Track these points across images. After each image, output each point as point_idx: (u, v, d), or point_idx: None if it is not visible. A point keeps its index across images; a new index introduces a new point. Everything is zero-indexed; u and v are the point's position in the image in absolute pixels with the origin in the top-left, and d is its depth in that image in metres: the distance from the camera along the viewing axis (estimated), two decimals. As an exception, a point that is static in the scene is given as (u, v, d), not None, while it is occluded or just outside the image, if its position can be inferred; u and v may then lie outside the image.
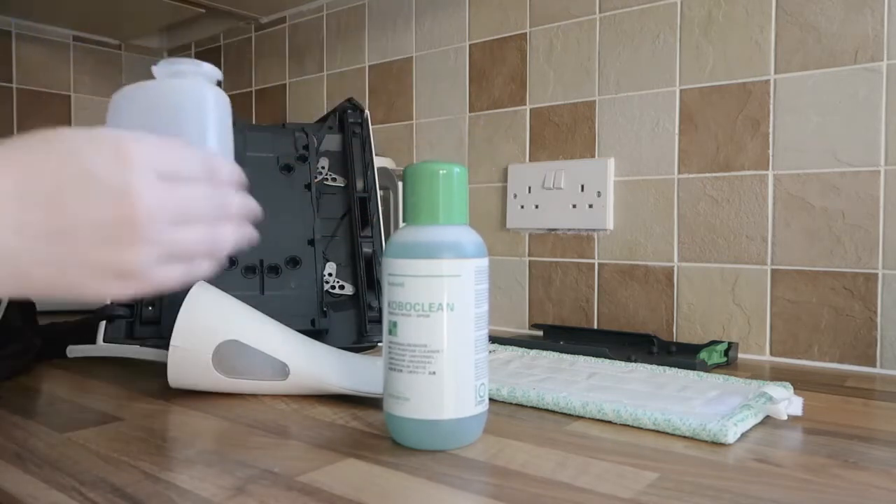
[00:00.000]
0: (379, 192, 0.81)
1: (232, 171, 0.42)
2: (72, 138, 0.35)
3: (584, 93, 0.90)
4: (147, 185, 0.35)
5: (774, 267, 0.77)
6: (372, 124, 1.07)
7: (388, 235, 0.87)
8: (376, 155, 0.86)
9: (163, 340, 0.65)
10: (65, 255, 0.34)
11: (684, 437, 0.47)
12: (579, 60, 0.90)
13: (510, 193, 0.96)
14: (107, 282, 0.35)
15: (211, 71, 0.50)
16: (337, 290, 0.76)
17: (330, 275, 0.76)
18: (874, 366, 0.71)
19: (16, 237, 0.32)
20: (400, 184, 0.96)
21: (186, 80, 0.49)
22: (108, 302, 0.68)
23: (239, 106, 1.36)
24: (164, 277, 0.37)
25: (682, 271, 0.83)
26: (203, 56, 1.43)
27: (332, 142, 0.83)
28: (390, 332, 0.45)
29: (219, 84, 0.52)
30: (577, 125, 0.91)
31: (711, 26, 0.80)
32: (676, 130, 0.83)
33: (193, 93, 0.49)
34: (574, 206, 0.90)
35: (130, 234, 0.35)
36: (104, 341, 0.67)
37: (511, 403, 0.56)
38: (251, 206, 0.43)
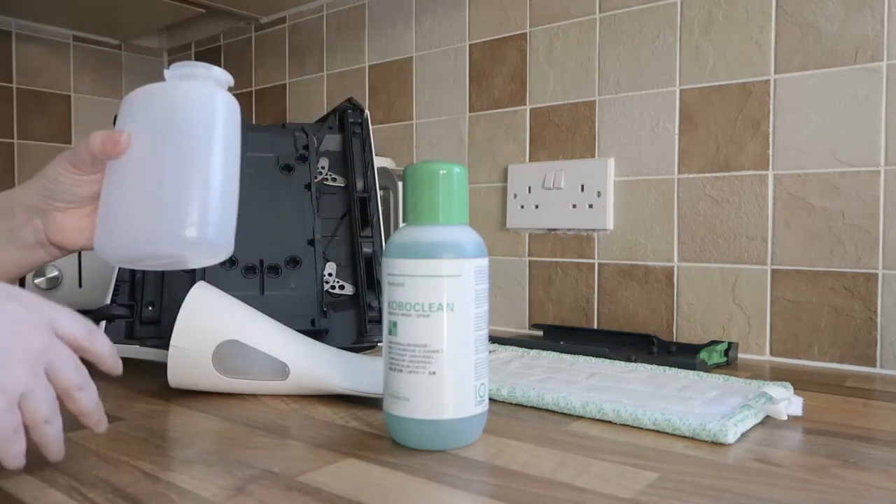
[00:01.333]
0: (379, 192, 0.81)
1: (107, 348, 0.44)
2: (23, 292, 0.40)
3: (584, 93, 0.90)
4: (45, 328, 0.40)
5: (774, 267, 0.77)
6: (372, 124, 1.07)
7: (388, 235, 0.87)
8: (376, 155, 0.86)
9: (163, 340, 0.65)
10: None
11: (684, 437, 0.47)
12: (579, 60, 0.90)
13: (510, 193, 0.96)
14: None
15: (221, 75, 0.50)
16: (337, 290, 0.76)
17: (330, 275, 0.76)
18: (874, 366, 0.71)
19: None
20: (400, 184, 0.96)
21: (196, 82, 0.49)
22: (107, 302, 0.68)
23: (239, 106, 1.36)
24: (11, 418, 0.38)
25: (682, 271, 0.83)
26: (203, 56, 1.43)
27: (332, 142, 0.83)
28: (390, 332, 0.45)
29: (229, 89, 0.52)
30: (577, 125, 0.91)
31: (711, 26, 0.80)
32: (676, 130, 0.83)
33: (203, 95, 0.49)
34: (574, 206, 0.90)
35: (18, 359, 0.38)
36: (104, 341, 0.66)
37: (511, 403, 0.56)
38: (97, 411, 0.43)
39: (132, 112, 0.49)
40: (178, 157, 0.47)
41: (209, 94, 0.49)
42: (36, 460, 0.43)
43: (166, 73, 0.50)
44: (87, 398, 0.42)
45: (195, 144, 0.47)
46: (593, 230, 0.90)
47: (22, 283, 0.72)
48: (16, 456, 0.38)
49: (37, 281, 1.06)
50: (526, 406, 0.55)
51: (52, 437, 0.40)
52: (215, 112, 0.49)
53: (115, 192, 0.48)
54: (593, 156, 0.90)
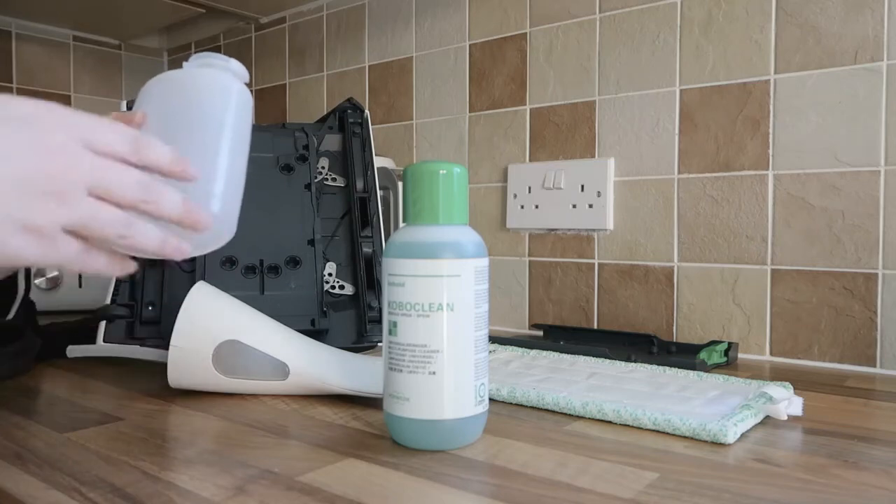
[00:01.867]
0: (379, 192, 0.81)
1: (173, 163, 0.41)
2: (17, 100, 0.36)
3: (584, 93, 0.90)
4: (71, 147, 0.36)
5: (774, 267, 0.77)
6: (372, 124, 1.07)
7: (388, 235, 0.87)
8: (376, 155, 0.86)
9: (163, 340, 0.65)
10: None
11: (684, 437, 0.47)
12: (579, 60, 0.90)
13: (510, 193, 0.96)
14: (14, 236, 0.35)
15: (239, 68, 0.52)
16: (337, 290, 0.76)
17: (330, 275, 0.76)
18: (874, 366, 0.71)
19: None
20: (400, 184, 0.96)
21: (214, 70, 0.50)
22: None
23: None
24: (67, 250, 0.37)
25: (682, 271, 0.83)
26: (203, 56, 1.42)
27: (332, 142, 0.83)
28: (390, 332, 0.45)
29: (246, 85, 0.53)
30: (577, 125, 0.91)
31: (711, 26, 0.80)
32: (676, 130, 0.83)
33: (217, 82, 0.50)
34: (574, 206, 0.90)
35: (45, 190, 0.35)
36: (104, 341, 0.67)
37: (511, 403, 0.56)
38: (189, 209, 0.41)
39: (148, 97, 0.50)
40: (188, 139, 0.47)
41: (225, 83, 0.50)
42: (35, 459, 0.43)
43: (186, 63, 0.51)
44: (165, 205, 0.39)
45: (207, 129, 0.48)
46: (593, 230, 0.90)
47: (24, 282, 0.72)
48: (106, 265, 0.38)
49: (37, 281, 1.06)
50: (526, 406, 0.55)
51: (144, 241, 0.39)
52: (229, 100, 0.49)
53: None
54: (593, 156, 0.90)
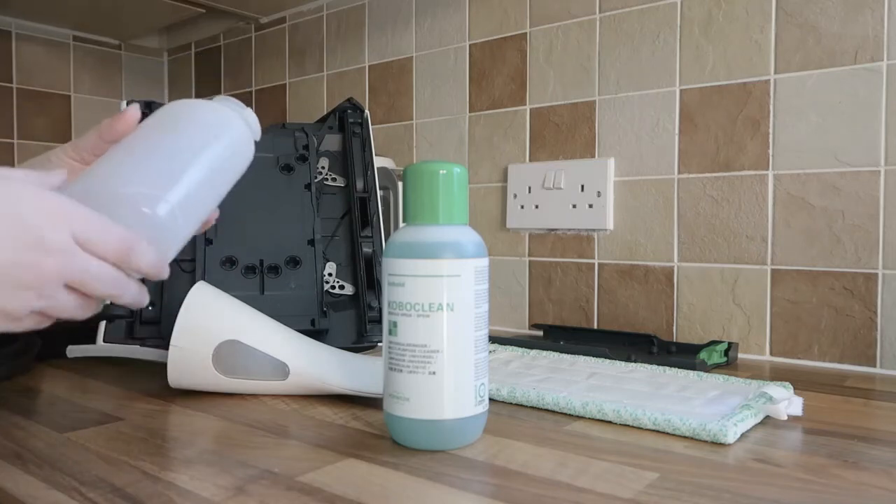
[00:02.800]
0: (379, 192, 0.81)
1: (157, 270, 0.43)
2: (16, 183, 0.38)
3: (584, 93, 0.90)
4: (64, 246, 0.38)
5: (774, 267, 0.77)
6: (372, 124, 1.07)
7: (388, 235, 0.87)
8: (376, 155, 0.86)
9: (163, 340, 0.65)
10: None
11: (684, 437, 0.47)
12: (579, 60, 0.90)
13: (510, 193, 0.96)
14: None
15: (252, 120, 0.53)
16: (337, 290, 0.76)
17: (330, 275, 0.76)
18: (874, 366, 0.71)
19: None
20: (400, 184, 0.96)
21: (226, 109, 0.52)
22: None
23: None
24: (30, 323, 0.40)
25: (682, 271, 0.83)
26: (203, 56, 1.43)
27: (332, 142, 0.83)
28: (390, 332, 0.45)
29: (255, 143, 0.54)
30: (577, 125, 0.91)
31: (711, 26, 0.80)
32: (676, 130, 0.83)
33: (223, 117, 0.51)
34: (574, 206, 0.90)
35: (23, 281, 0.37)
36: (104, 341, 0.67)
37: (511, 403, 0.56)
38: (144, 296, 0.44)
39: (163, 109, 0.51)
40: (167, 144, 0.48)
41: (229, 119, 0.52)
42: (35, 459, 0.43)
43: (214, 99, 0.53)
44: (140, 258, 0.41)
45: (189, 144, 0.48)
46: (593, 230, 0.90)
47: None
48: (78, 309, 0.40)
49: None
50: (526, 406, 0.55)
51: (122, 301, 0.42)
52: (224, 134, 0.51)
53: (102, 159, 0.48)
54: (593, 156, 0.90)
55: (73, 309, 0.40)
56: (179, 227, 0.46)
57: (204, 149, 0.49)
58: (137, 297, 0.43)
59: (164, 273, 0.44)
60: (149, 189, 0.44)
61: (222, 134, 0.50)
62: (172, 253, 0.47)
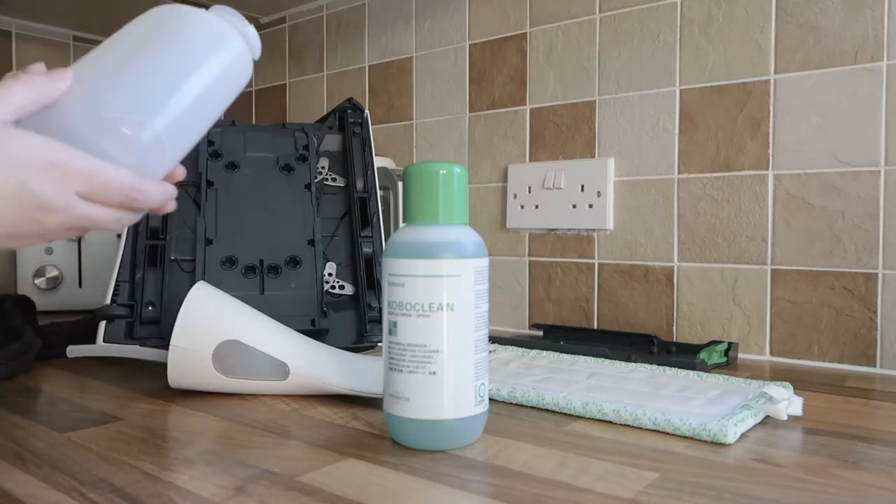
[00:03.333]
0: (379, 192, 0.81)
1: (155, 203, 0.43)
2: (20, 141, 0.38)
3: (584, 93, 0.90)
4: (65, 204, 0.39)
5: (774, 267, 0.77)
6: (372, 124, 1.07)
7: (388, 235, 0.87)
8: (376, 155, 0.86)
9: (163, 340, 0.65)
10: None
11: (684, 437, 0.47)
12: (579, 60, 0.90)
13: (510, 193, 0.96)
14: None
15: (253, 37, 0.48)
16: (337, 290, 0.76)
17: (330, 275, 0.76)
18: (874, 366, 0.71)
19: None
20: (400, 184, 0.96)
21: (224, 23, 0.47)
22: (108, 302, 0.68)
23: (239, 106, 1.36)
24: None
25: (682, 271, 0.83)
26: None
27: (332, 142, 0.83)
28: (390, 332, 0.45)
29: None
30: (577, 125, 0.91)
31: (711, 26, 0.80)
32: (676, 130, 0.83)
33: (220, 32, 0.46)
34: (574, 206, 0.90)
35: (28, 232, 0.39)
36: (104, 341, 0.67)
37: (511, 403, 0.56)
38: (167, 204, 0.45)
39: (150, 16, 0.46)
40: (156, 62, 0.43)
41: (226, 35, 0.46)
42: (35, 459, 0.43)
43: (211, 9, 0.48)
44: (147, 199, 0.42)
45: (180, 61, 0.44)
46: (593, 230, 0.90)
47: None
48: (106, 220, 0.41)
49: (37, 281, 1.06)
50: (526, 406, 0.55)
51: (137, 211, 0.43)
52: (219, 52, 0.46)
53: (90, 66, 0.44)
54: (593, 156, 0.90)
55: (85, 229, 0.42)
56: (166, 153, 0.43)
57: (196, 68, 0.44)
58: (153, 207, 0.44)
59: (171, 206, 0.45)
60: (132, 113, 0.42)
61: (217, 52, 0.45)
62: (168, 162, 0.45)
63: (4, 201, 0.37)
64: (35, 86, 0.40)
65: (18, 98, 0.40)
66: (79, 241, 1.08)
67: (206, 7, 0.48)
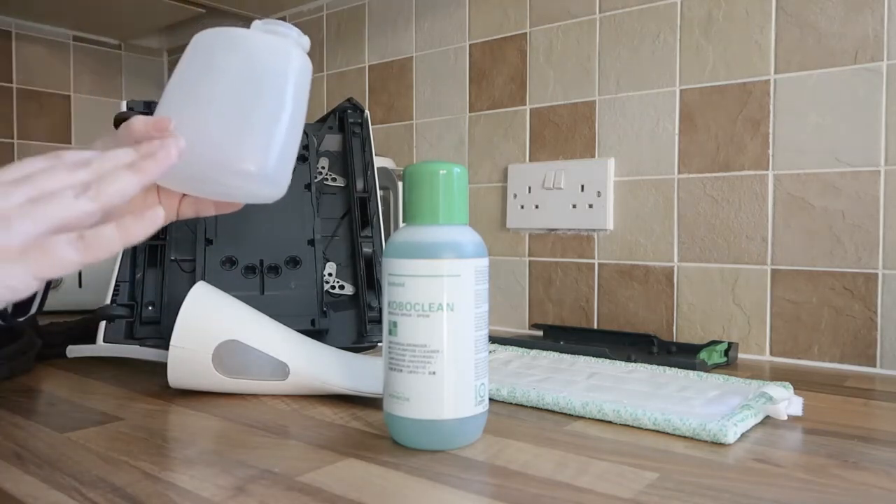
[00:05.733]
0: (379, 192, 0.81)
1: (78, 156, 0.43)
2: None
3: (584, 93, 0.90)
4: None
5: (774, 267, 0.77)
6: (372, 124, 1.07)
7: (388, 235, 0.87)
8: (376, 155, 0.86)
9: (163, 340, 0.65)
10: None
11: (684, 437, 0.47)
12: (579, 60, 0.90)
13: (510, 193, 0.96)
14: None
15: (300, 37, 0.53)
16: (337, 290, 0.76)
17: (330, 275, 0.76)
18: (874, 366, 0.71)
19: None
20: (400, 184, 0.96)
21: (277, 37, 0.52)
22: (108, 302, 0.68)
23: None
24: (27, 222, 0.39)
25: (682, 271, 0.83)
26: (203, 56, 1.42)
27: (332, 142, 0.83)
28: (390, 332, 0.45)
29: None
30: (577, 125, 0.91)
31: (711, 26, 0.80)
32: (676, 130, 0.83)
33: (281, 49, 0.52)
34: (574, 206, 0.90)
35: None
36: (104, 341, 0.67)
37: (511, 403, 0.56)
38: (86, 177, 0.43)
39: (207, 53, 0.51)
40: (250, 98, 0.50)
41: (287, 49, 0.52)
42: (35, 459, 0.43)
43: (254, 24, 0.53)
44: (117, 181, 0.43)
45: (267, 89, 0.50)
46: (593, 230, 0.90)
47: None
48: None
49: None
50: (526, 406, 0.55)
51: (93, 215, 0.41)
52: (289, 66, 0.52)
53: (189, 115, 0.49)
54: (593, 156, 0.90)
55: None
56: (287, 167, 0.52)
57: (285, 95, 0.51)
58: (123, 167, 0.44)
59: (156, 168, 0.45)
60: (257, 156, 0.49)
61: (292, 72, 0.52)
62: (281, 191, 0.53)
63: None
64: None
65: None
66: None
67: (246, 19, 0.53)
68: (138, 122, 0.47)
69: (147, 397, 0.58)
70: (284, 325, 0.60)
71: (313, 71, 0.56)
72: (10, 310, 0.63)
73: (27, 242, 0.38)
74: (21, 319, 0.67)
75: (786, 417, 0.50)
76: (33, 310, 0.70)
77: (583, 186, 0.89)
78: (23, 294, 0.38)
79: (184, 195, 0.55)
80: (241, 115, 0.49)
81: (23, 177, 0.40)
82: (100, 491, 0.38)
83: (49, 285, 0.74)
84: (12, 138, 1.28)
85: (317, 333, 0.70)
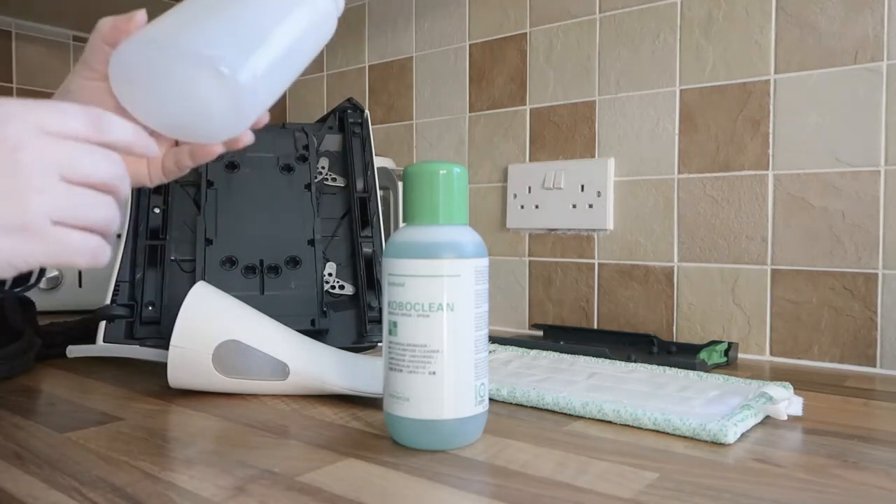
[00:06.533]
0: (379, 192, 0.81)
1: (137, 143, 0.40)
2: None
3: (584, 93, 0.90)
4: (29, 135, 0.34)
5: (774, 267, 0.77)
6: (372, 124, 1.07)
7: (388, 235, 0.87)
8: (376, 155, 0.86)
9: (163, 340, 0.65)
10: None
11: (684, 437, 0.47)
12: (579, 60, 0.90)
13: (510, 193, 0.96)
14: (5, 241, 0.34)
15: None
16: (337, 290, 0.76)
17: (330, 275, 0.76)
18: (874, 366, 0.71)
19: None
20: (400, 184, 0.96)
21: None
22: (15, 274, 0.67)
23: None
24: (65, 240, 0.36)
25: (682, 271, 0.83)
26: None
27: (332, 142, 0.83)
28: (390, 332, 0.45)
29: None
30: (577, 125, 0.91)
31: (711, 26, 0.80)
32: (676, 130, 0.83)
33: None
34: (574, 206, 0.90)
35: (17, 185, 0.34)
36: (104, 341, 0.67)
37: (511, 403, 0.56)
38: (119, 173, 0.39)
39: None
40: (245, 7, 0.43)
41: None
42: (35, 459, 0.43)
43: None
44: (113, 127, 0.38)
45: (275, 5, 0.44)
46: (593, 230, 0.90)
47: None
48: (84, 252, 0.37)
49: (37, 281, 1.06)
50: (526, 406, 0.55)
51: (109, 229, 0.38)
52: (309, 2, 0.46)
53: (173, 11, 0.43)
54: (593, 156, 0.90)
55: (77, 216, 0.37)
56: (258, 97, 0.43)
57: (289, 14, 0.44)
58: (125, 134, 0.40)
59: (151, 146, 0.41)
60: (231, 52, 0.41)
61: (308, 3, 0.46)
62: (243, 125, 0.44)
63: None
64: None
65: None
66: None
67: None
68: (105, 22, 0.44)
69: (147, 397, 0.58)
70: (284, 325, 0.60)
71: (313, 71, 0.55)
72: (8, 284, 0.62)
73: (51, 231, 0.35)
74: (18, 290, 0.65)
75: (786, 417, 0.50)
76: (32, 280, 0.68)
77: (583, 186, 0.89)
78: (23, 271, 0.36)
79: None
80: (236, 13, 0.42)
81: (70, 161, 0.36)
82: (100, 491, 0.38)
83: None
84: (12, 138, 1.28)
85: (317, 333, 0.70)
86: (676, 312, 0.83)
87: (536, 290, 0.95)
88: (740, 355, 0.78)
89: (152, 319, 0.68)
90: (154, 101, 0.44)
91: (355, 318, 0.74)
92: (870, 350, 0.71)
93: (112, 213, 0.38)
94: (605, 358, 0.71)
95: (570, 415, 0.53)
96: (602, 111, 0.89)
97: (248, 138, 0.48)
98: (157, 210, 0.73)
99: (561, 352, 0.74)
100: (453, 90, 1.03)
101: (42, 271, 0.66)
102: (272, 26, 0.43)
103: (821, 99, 0.74)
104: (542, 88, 0.94)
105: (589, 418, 0.52)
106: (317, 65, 1.22)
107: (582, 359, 0.70)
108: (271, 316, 0.60)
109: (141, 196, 0.73)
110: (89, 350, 0.67)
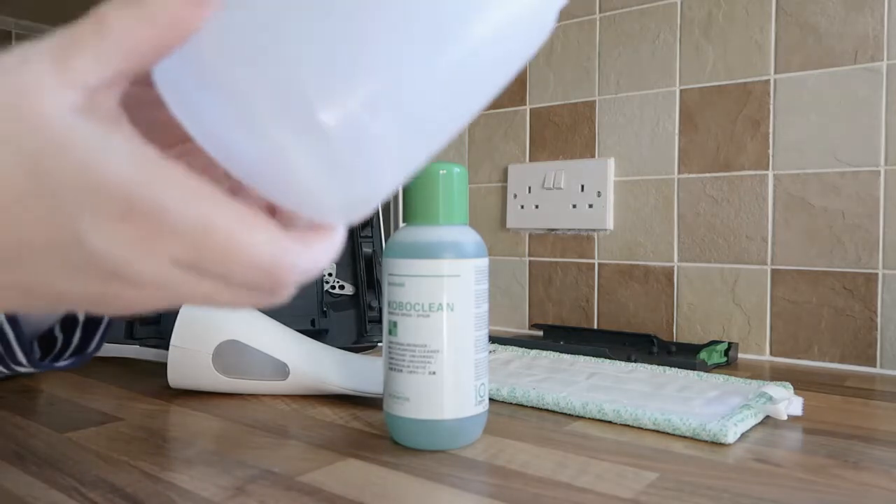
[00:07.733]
0: (379, 192, 0.81)
1: (304, 269, 0.26)
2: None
3: (584, 93, 0.90)
4: (152, 274, 0.23)
5: (774, 267, 0.77)
6: (372, 124, 1.07)
7: (388, 235, 0.87)
8: (376, 155, 0.85)
9: (163, 340, 0.66)
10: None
11: (684, 437, 0.47)
12: (579, 60, 0.90)
13: (510, 193, 0.96)
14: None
15: None
16: (337, 290, 0.76)
17: (330, 275, 0.76)
18: (874, 366, 0.71)
19: None
20: (400, 184, 0.95)
21: None
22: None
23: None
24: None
25: (682, 271, 0.83)
26: (203, 56, 1.42)
27: (332, 142, 0.83)
28: (390, 333, 0.45)
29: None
30: (577, 125, 0.91)
31: (711, 26, 0.80)
32: (676, 130, 0.83)
33: None
34: (574, 206, 0.90)
35: (96, 303, 0.25)
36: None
37: (511, 403, 0.56)
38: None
39: None
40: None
41: None
42: (35, 459, 0.43)
43: None
44: (296, 276, 0.26)
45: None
46: (593, 230, 0.90)
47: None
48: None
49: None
50: (526, 406, 0.55)
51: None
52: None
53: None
54: (593, 156, 0.90)
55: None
56: (391, 152, 0.24)
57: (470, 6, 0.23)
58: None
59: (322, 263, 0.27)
60: (344, 85, 0.22)
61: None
62: (375, 200, 0.25)
63: (50, 258, 0.22)
64: (151, 16, 0.21)
65: (115, 43, 0.22)
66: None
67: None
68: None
69: (147, 397, 0.58)
70: (284, 325, 0.60)
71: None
72: (38, 354, 0.54)
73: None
74: (48, 362, 0.55)
75: (786, 417, 0.50)
76: (92, 347, 0.56)
77: (583, 186, 0.89)
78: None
79: None
80: (351, 18, 0.22)
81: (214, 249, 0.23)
82: (100, 491, 0.38)
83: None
84: (12, 138, 1.28)
85: (317, 333, 0.70)
86: (676, 312, 0.83)
87: (536, 290, 0.95)
88: (740, 355, 0.78)
89: (152, 319, 0.68)
90: (237, 161, 0.25)
91: (355, 318, 0.74)
92: (870, 350, 0.71)
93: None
94: (605, 358, 0.71)
95: (570, 415, 0.53)
96: (602, 111, 0.89)
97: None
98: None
99: (561, 352, 0.74)
100: (453, 90, 1.03)
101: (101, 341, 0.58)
102: (438, 38, 0.23)
103: (821, 99, 0.74)
104: (542, 88, 0.94)
105: (589, 418, 0.52)
106: (317, 65, 1.22)
107: (582, 359, 0.70)
108: (271, 316, 0.60)
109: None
110: (89, 350, 0.67)
